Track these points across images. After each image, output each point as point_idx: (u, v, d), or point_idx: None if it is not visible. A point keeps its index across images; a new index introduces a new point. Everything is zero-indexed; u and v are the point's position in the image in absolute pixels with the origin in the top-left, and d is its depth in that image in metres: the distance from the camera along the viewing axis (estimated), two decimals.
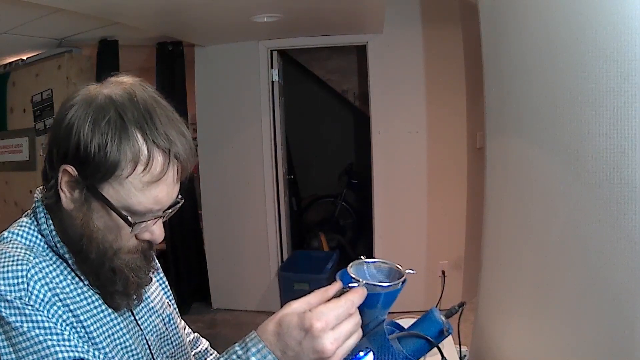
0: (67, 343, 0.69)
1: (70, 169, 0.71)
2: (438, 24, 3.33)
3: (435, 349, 0.95)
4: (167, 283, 1.01)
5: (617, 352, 0.78)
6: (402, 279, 1.05)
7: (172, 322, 0.94)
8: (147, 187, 0.72)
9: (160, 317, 0.91)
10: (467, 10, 3.20)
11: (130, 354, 0.80)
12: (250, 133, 3.63)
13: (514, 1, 1.15)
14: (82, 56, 3.33)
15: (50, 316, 0.70)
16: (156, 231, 0.77)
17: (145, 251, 0.80)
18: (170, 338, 0.92)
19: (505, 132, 1.26)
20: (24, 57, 3.39)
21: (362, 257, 1.13)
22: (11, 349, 0.68)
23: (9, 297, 0.68)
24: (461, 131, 3.40)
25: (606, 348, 0.82)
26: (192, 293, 3.87)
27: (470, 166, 3.42)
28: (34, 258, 0.72)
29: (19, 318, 0.68)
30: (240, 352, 0.68)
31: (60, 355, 0.68)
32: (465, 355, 1.38)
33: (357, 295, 0.75)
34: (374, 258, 1.15)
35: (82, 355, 0.69)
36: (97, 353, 0.72)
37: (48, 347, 0.67)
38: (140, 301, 0.84)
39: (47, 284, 0.71)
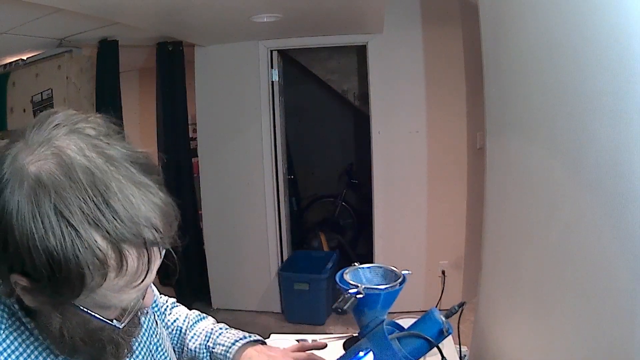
0: None
1: (24, 281, 0.54)
2: (438, 24, 3.32)
3: (435, 349, 0.95)
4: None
5: (617, 352, 0.78)
6: (400, 279, 1.06)
7: (159, 349, 0.85)
8: (127, 287, 0.56)
9: (147, 352, 0.82)
10: (467, 10, 3.20)
11: None
12: (250, 133, 3.63)
13: (514, 1, 1.15)
14: (82, 56, 3.33)
15: None
16: (147, 299, 0.65)
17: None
18: None
19: (505, 132, 1.26)
20: (24, 57, 3.38)
21: (355, 263, 1.14)
22: None
23: None
24: (461, 131, 3.40)
25: (606, 348, 0.82)
26: (192, 293, 3.87)
27: (470, 166, 3.42)
28: None
29: None
30: None
31: None
32: (465, 355, 1.38)
33: None
34: (368, 263, 1.15)
35: None
36: None
37: None
38: (130, 353, 0.72)
39: None
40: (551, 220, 1.00)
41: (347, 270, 1.12)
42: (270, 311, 3.72)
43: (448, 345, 1.30)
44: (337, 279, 1.10)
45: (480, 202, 1.45)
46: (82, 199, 0.51)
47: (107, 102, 3.33)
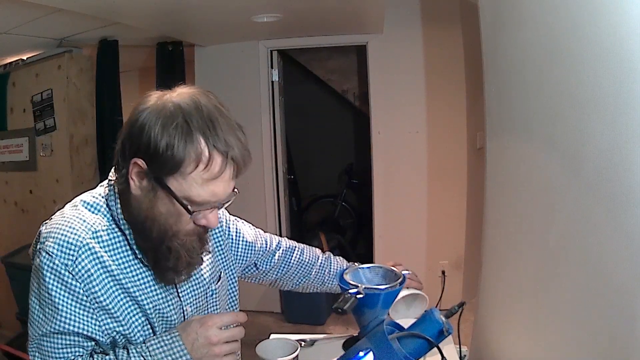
0: (77, 317, 0.85)
1: (141, 162, 0.84)
2: (438, 24, 3.32)
3: (435, 349, 0.95)
4: (225, 255, 1.19)
5: (617, 352, 0.78)
6: (400, 279, 1.06)
7: (215, 296, 1.09)
8: (206, 183, 0.85)
9: (203, 291, 1.05)
10: (467, 10, 3.20)
11: (165, 318, 0.95)
12: (250, 133, 3.56)
13: (514, 1, 1.15)
14: (82, 56, 3.33)
15: (85, 289, 0.85)
16: (211, 219, 0.92)
17: (200, 234, 0.95)
18: (207, 309, 1.07)
19: (505, 132, 1.26)
20: (24, 57, 3.38)
21: (355, 263, 1.14)
22: (38, 299, 0.86)
23: (56, 261, 0.84)
24: (461, 131, 3.40)
25: (606, 348, 0.82)
26: None
27: (470, 166, 3.41)
28: (92, 237, 0.87)
29: (54, 278, 0.84)
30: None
31: (65, 323, 0.84)
32: (465, 355, 1.38)
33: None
34: (369, 263, 1.15)
35: (84, 331, 0.85)
36: (118, 329, 0.89)
37: (62, 312, 0.84)
38: (188, 278, 0.99)
39: (96, 258, 0.86)
40: (551, 220, 1.00)
41: (347, 270, 1.12)
42: (270, 311, 3.71)
43: (448, 345, 1.30)
44: (337, 279, 1.10)
45: (480, 202, 1.45)
46: (200, 118, 0.83)
47: (107, 102, 3.32)
